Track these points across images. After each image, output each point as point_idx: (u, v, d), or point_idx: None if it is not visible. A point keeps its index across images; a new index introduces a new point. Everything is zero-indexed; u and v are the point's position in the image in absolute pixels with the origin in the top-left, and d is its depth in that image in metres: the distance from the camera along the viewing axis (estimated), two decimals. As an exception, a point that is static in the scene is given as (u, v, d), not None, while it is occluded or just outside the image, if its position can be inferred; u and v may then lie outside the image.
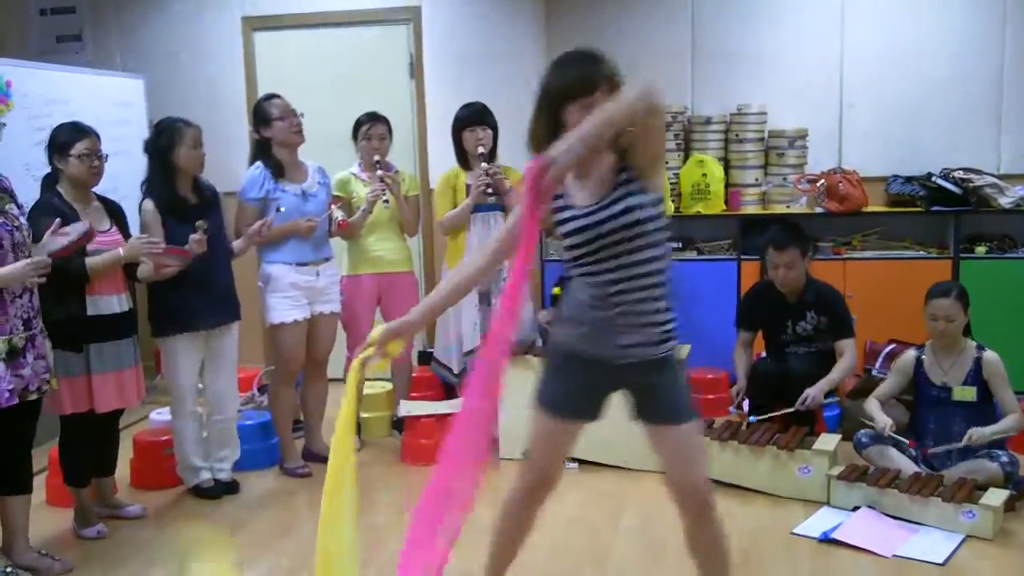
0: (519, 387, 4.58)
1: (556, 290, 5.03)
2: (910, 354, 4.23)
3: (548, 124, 2.56)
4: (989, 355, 4.03)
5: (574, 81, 2.54)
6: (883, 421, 4.06)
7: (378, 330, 2.69)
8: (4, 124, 3.47)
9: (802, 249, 4.52)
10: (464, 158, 4.79)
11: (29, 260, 3.25)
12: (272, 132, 4.41)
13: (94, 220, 3.76)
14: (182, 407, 4.20)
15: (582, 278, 2.62)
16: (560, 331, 2.72)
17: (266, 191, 4.38)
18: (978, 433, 3.88)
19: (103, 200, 3.88)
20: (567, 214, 2.60)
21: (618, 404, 4.55)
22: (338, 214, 4.65)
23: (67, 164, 3.68)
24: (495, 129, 4.77)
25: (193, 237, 3.96)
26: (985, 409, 4.02)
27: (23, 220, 3.40)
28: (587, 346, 2.62)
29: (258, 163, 4.43)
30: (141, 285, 4.02)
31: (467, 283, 2.74)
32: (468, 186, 4.73)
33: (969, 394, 4.02)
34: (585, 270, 2.60)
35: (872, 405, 4.20)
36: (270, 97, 4.49)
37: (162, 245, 3.82)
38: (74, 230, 3.46)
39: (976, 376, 4.02)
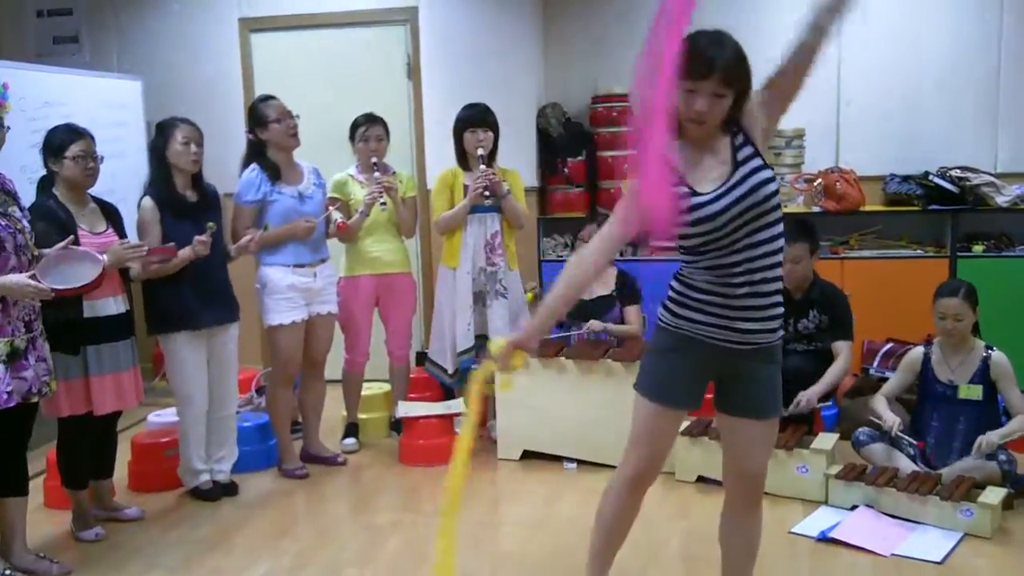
0: (514, 387, 4.61)
1: (529, 295, 5.04)
2: (918, 351, 4.23)
3: None
4: (998, 355, 4.02)
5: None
6: (891, 420, 4.06)
7: (499, 342, 2.54)
8: (9, 127, 3.46)
9: (811, 245, 4.52)
10: (464, 158, 4.79)
11: (33, 284, 3.23)
12: (268, 134, 4.40)
13: (89, 222, 3.76)
14: (190, 409, 4.18)
15: (700, 264, 2.49)
16: (673, 319, 2.58)
17: (263, 194, 4.37)
18: (987, 441, 3.85)
19: (99, 202, 3.88)
20: (690, 202, 2.41)
21: (613, 403, 4.54)
22: (337, 215, 4.65)
23: (62, 166, 3.68)
24: (496, 131, 4.76)
25: (199, 238, 3.96)
26: (990, 408, 4.02)
27: (26, 223, 3.40)
28: (707, 333, 2.51)
29: (254, 165, 4.42)
30: (137, 285, 4.01)
31: (588, 277, 2.57)
32: (466, 187, 4.73)
33: (975, 392, 4.01)
34: (707, 255, 2.46)
35: (879, 403, 4.19)
36: (266, 99, 4.48)
37: (145, 248, 3.79)
38: (84, 269, 3.45)
39: (983, 375, 4.02)
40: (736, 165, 2.42)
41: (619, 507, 2.76)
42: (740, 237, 2.42)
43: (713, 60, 2.33)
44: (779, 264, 2.50)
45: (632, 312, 4.89)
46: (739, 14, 5.95)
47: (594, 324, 4.79)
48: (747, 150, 2.44)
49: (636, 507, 2.77)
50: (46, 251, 3.41)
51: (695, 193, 2.42)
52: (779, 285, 2.52)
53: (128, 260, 3.76)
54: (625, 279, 4.97)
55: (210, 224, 4.01)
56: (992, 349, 4.05)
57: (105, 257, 3.58)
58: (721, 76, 2.33)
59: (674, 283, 2.60)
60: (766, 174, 2.42)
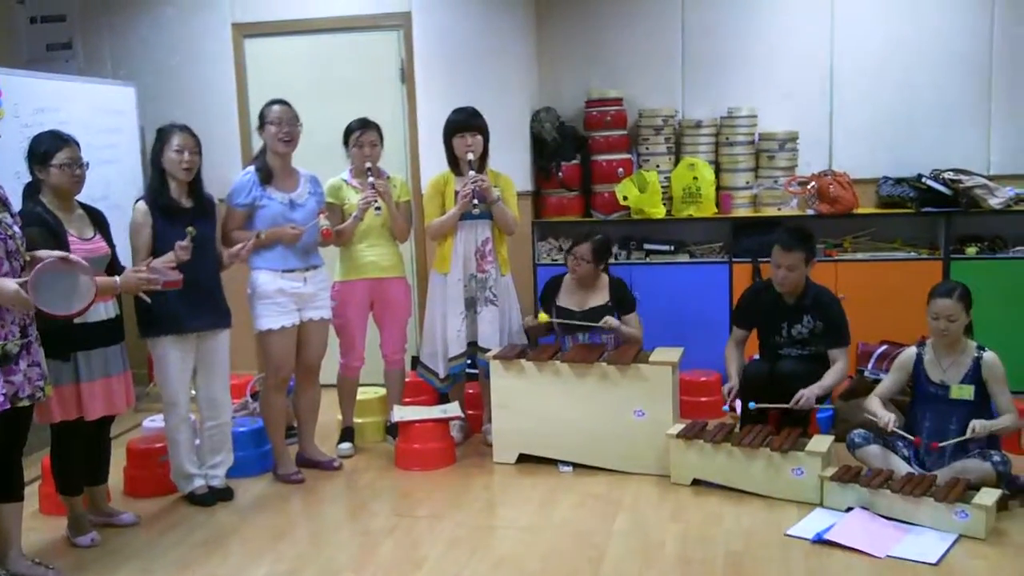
0: (510, 390, 4.62)
1: (542, 316, 4.96)
2: (911, 351, 4.24)
3: None
4: (989, 356, 4.04)
5: None
6: (886, 417, 4.07)
7: None
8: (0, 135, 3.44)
9: (807, 254, 4.54)
10: (455, 163, 4.79)
11: (22, 294, 3.18)
12: (264, 136, 4.42)
13: (77, 228, 3.75)
14: (175, 413, 4.18)
15: None
16: None
17: (252, 197, 4.36)
18: (980, 424, 3.89)
19: (86, 208, 3.87)
20: None
21: (608, 406, 4.54)
22: (324, 223, 4.61)
23: (48, 174, 3.66)
24: (485, 134, 4.77)
25: (179, 244, 3.94)
26: (982, 408, 4.02)
27: (17, 229, 3.38)
28: None
29: (249, 168, 4.43)
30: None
31: None
32: (457, 192, 4.73)
33: (967, 392, 4.03)
34: None
35: (874, 402, 4.20)
36: (274, 102, 4.45)
37: (160, 281, 3.76)
38: (76, 285, 3.39)
39: (975, 376, 4.03)
40: None
41: None
42: None
43: None
44: None
45: (632, 319, 4.90)
46: (741, 14, 5.99)
47: (609, 320, 4.78)
48: None
49: None
50: (40, 253, 3.38)
51: None
52: None
53: (140, 289, 3.75)
54: (620, 288, 4.96)
55: (189, 228, 3.96)
56: (984, 350, 4.06)
57: (112, 280, 3.61)
58: None
59: None
60: None
